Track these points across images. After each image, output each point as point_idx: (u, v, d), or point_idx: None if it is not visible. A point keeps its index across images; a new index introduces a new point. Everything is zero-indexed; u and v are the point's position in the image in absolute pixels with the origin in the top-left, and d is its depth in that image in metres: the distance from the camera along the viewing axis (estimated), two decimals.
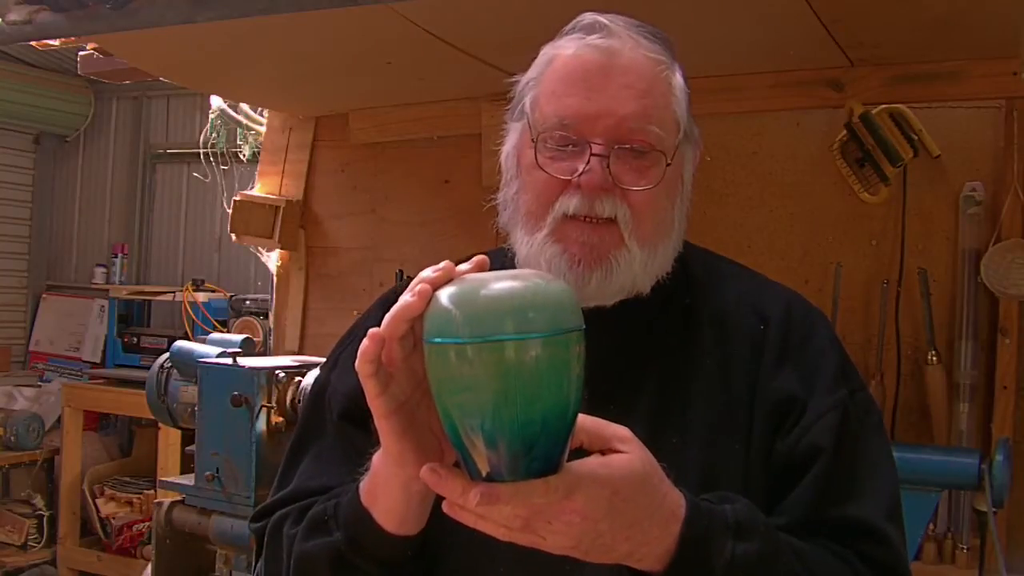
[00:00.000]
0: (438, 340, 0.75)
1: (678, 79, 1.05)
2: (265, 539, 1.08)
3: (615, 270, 1.00)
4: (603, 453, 0.82)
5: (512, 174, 1.07)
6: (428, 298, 0.78)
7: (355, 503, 0.95)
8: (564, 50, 1.03)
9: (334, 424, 1.11)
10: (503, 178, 1.09)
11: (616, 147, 0.99)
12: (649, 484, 0.82)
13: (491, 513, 0.78)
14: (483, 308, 0.75)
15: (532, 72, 1.06)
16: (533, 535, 0.79)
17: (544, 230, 1.01)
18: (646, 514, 0.82)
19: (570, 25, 1.05)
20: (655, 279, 1.05)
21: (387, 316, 0.81)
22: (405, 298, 0.80)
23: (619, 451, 0.81)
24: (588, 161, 0.99)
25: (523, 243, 1.04)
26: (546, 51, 1.06)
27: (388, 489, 0.91)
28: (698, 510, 0.86)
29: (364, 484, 0.95)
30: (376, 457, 0.92)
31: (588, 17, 1.04)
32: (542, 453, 0.75)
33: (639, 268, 1.02)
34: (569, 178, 1.00)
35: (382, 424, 0.85)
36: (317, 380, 1.19)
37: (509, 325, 0.73)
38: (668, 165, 1.01)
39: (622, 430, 0.83)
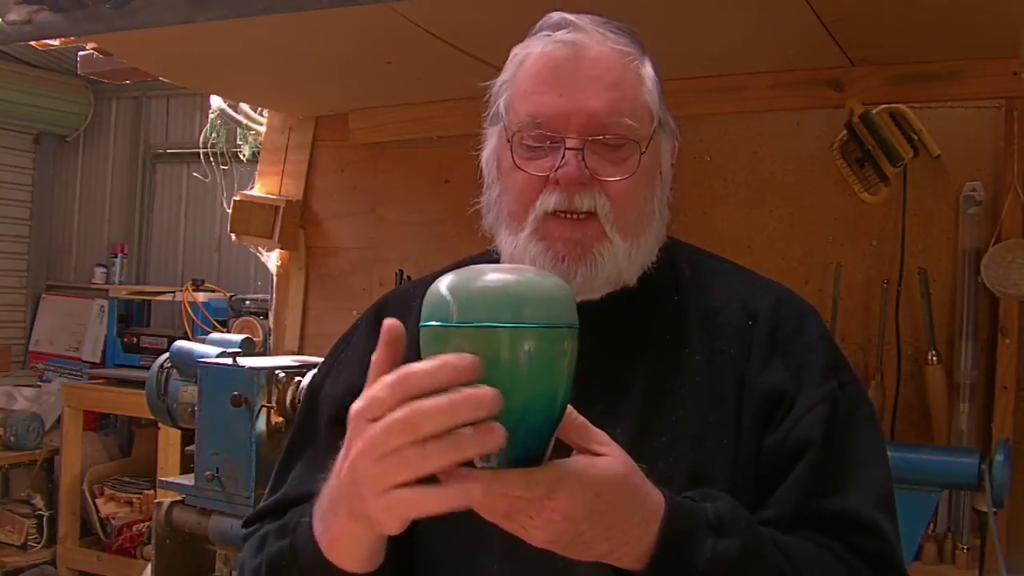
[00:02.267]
0: (430, 323, 0.77)
1: (648, 70, 1.06)
2: (246, 553, 1.06)
3: (599, 264, 1.01)
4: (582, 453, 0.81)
5: (493, 177, 1.09)
6: None
7: (314, 552, 0.90)
8: (533, 49, 1.05)
9: (326, 428, 1.11)
10: (485, 182, 1.11)
11: (590, 139, 1.00)
12: (630, 484, 0.82)
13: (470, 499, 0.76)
14: (476, 295, 0.76)
15: (505, 74, 1.08)
16: (515, 524, 0.79)
17: (527, 229, 1.03)
18: (627, 515, 0.82)
19: (538, 25, 1.07)
20: (641, 269, 1.06)
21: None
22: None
23: (599, 453, 0.81)
24: (563, 156, 1.00)
25: (508, 243, 1.05)
26: (516, 52, 1.07)
27: (350, 536, 0.86)
28: (678, 508, 0.86)
29: (323, 532, 0.89)
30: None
31: (555, 16, 1.06)
32: (520, 442, 0.75)
33: (623, 259, 1.03)
34: (547, 175, 1.01)
35: None
36: (310, 386, 1.19)
37: (498, 313, 0.75)
38: (643, 153, 1.02)
39: (602, 434, 0.82)
